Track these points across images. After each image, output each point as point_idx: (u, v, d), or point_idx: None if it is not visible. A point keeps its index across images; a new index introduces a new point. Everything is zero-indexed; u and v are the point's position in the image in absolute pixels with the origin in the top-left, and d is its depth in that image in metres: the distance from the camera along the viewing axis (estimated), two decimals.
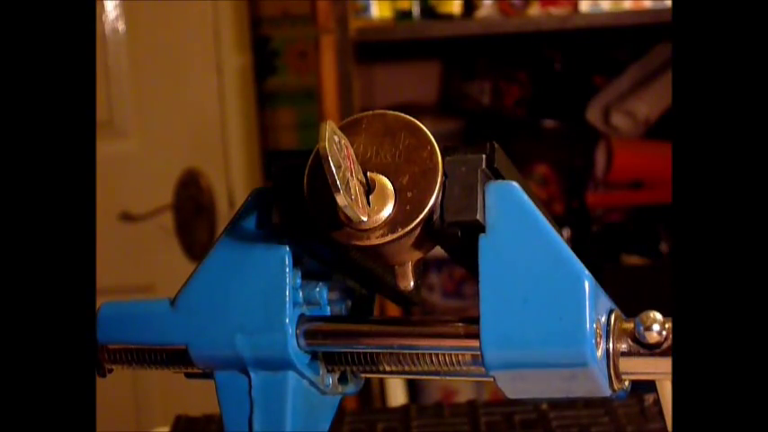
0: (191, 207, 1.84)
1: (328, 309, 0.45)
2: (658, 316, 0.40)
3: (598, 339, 0.39)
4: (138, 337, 0.45)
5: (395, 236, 0.39)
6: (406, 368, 0.44)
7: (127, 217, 1.83)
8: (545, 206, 0.42)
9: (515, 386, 0.41)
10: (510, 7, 1.76)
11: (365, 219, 0.39)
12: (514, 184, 0.40)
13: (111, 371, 0.47)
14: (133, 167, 1.85)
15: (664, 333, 0.40)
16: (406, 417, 0.81)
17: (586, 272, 0.39)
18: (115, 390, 1.59)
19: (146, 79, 1.84)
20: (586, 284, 0.39)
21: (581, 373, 0.39)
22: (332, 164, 0.36)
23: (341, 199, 0.37)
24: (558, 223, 0.43)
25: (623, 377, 0.41)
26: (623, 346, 0.40)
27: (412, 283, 0.42)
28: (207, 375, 0.45)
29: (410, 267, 0.42)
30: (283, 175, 0.42)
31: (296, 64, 1.88)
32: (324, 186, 0.37)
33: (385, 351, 0.43)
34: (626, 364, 0.40)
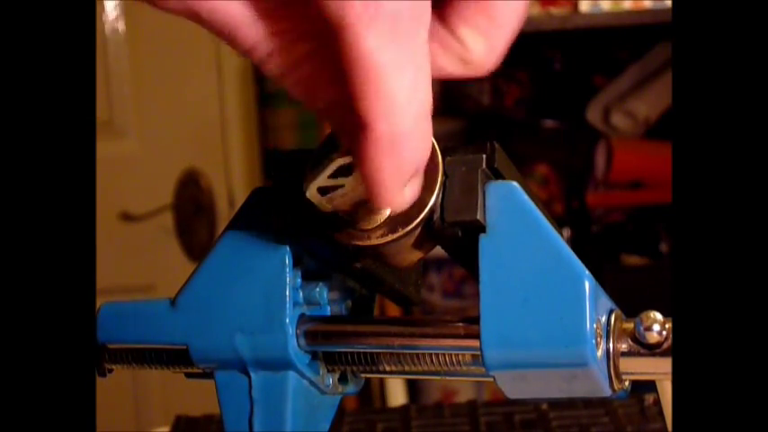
0: (191, 207, 1.84)
1: (328, 309, 0.45)
2: (658, 316, 0.40)
3: (598, 339, 0.39)
4: (138, 337, 0.45)
5: (395, 236, 0.39)
6: (406, 368, 0.44)
7: (127, 217, 1.83)
8: (545, 206, 0.42)
9: (515, 386, 0.41)
10: None
11: (329, 208, 0.38)
12: (514, 184, 0.40)
13: (111, 371, 0.47)
14: (133, 167, 1.85)
15: (664, 333, 0.40)
16: (406, 417, 0.81)
17: (586, 272, 0.39)
18: (115, 390, 1.59)
19: (146, 79, 1.84)
20: (586, 284, 0.39)
21: (581, 373, 0.39)
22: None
23: (309, 194, 0.37)
24: (558, 223, 0.43)
25: (623, 377, 0.41)
26: (623, 346, 0.40)
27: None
28: (207, 375, 0.45)
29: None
30: (283, 175, 0.42)
31: None
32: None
33: (385, 351, 0.43)
34: (626, 364, 0.40)
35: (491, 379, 0.41)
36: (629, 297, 0.47)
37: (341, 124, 0.35)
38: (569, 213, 2.01)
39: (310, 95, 0.35)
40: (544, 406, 0.79)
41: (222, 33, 0.34)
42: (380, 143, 0.33)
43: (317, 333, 0.43)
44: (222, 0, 0.33)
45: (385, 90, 0.32)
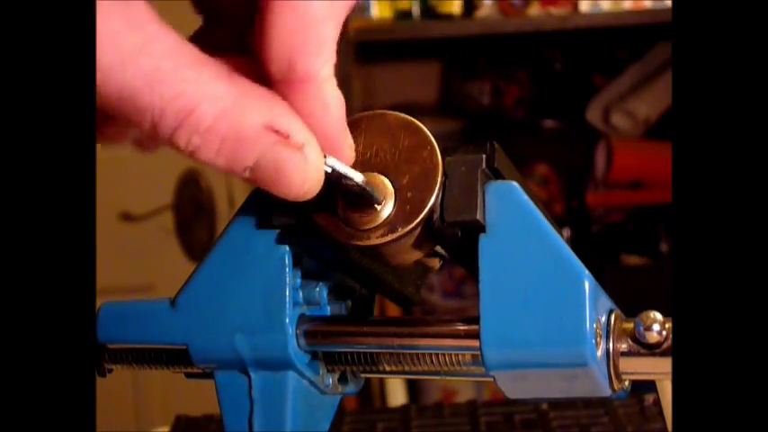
0: (191, 207, 1.84)
1: (328, 309, 0.45)
2: (658, 316, 0.40)
3: (598, 339, 0.39)
4: (138, 337, 0.45)
5: (395, 236, 0.39)
6: (406, 368, 0.44)
7: (127, 217, 1.83)
8: (545, 206, 0.42)
9: (515, 386, 0.41)
10: (510, 7, 1.76)
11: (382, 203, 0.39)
12: (514, 184, 0.40)
13: (111, 371, 0.47)
14: (133, 167, 1.85)
15: (664, 333, 0.40)
16: (406, 417, 0.81)
17: (586, 272, 0.39)
18: (115, 390, 1.59)
19: None
20: (586, 284, 0.39)
21: (581, 373, 0.39)
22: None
23: (362, 180, 0.38)
24: (558, 223, 0.43)
25: (623, 377, 0.41)
26: (623, 346, 0.40)
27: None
28: (207, 375, 0.45)
29: None
30: None
31: None
32: (324, 186, 0.37)
33: (385, 351, 0.43)
34: (626, 364, 0.40)
35: (491, 379, 0.41)
36: (629, 297, 0.47)
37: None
38: (569, 213, 2.01)
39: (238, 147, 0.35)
40: (544, 406, 0.79)
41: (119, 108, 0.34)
42: (324, 84, 0.36)
43: (317, 333, 0.43)
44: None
45: (317, 33, 0.35)
